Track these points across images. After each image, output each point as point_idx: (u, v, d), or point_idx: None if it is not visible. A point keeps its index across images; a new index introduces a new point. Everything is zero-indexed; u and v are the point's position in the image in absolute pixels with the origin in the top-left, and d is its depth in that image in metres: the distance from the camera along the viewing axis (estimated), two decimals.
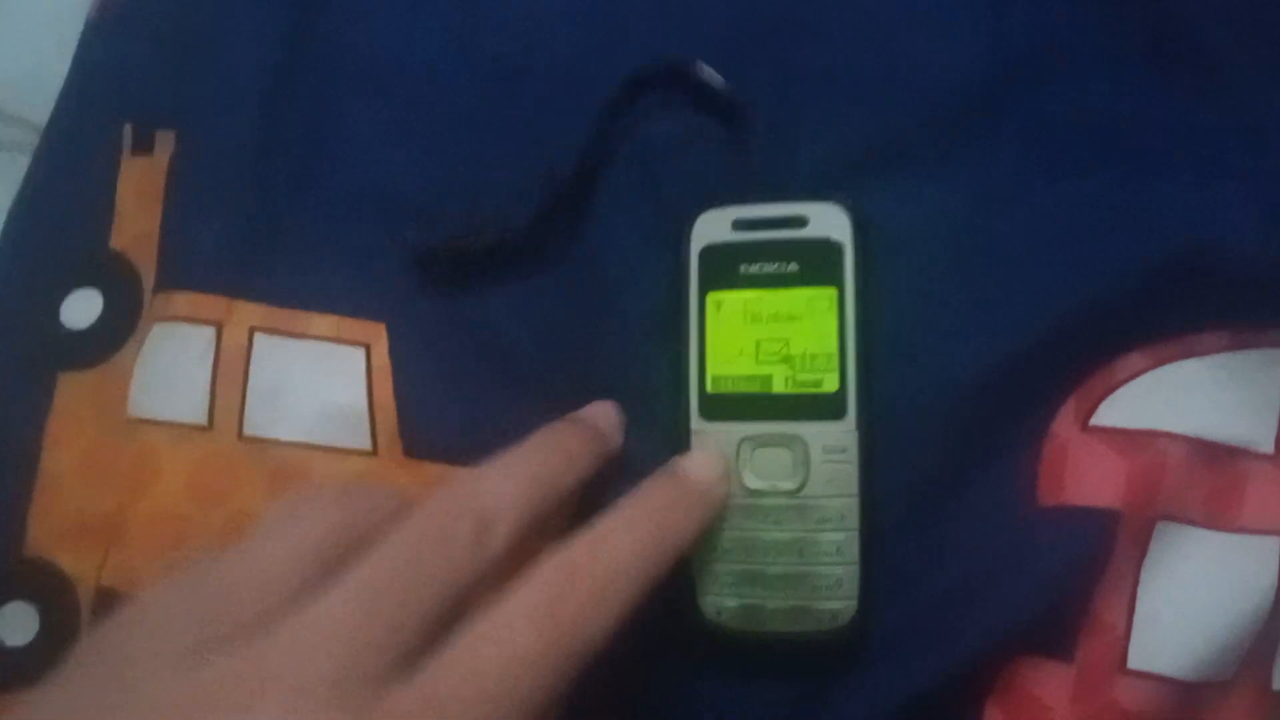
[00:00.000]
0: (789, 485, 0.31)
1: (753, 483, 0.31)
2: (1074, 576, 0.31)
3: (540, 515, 0.28)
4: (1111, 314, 0.32)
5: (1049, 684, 0.31)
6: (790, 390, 0.31)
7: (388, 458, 0.34)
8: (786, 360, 0.32)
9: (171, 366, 0.35)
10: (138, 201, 0.38)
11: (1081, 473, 0.31)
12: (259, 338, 0.35)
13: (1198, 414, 0.31)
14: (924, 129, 0.34)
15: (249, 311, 0.35)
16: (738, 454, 0.32)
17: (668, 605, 0.32)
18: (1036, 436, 0.32)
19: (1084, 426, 0.32)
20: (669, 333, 0.33)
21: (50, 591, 0.35)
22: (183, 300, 0.36)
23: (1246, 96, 0.33)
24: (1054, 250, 0.32)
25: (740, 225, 0.32)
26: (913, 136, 0.34)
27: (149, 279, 0.37)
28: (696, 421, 0.32)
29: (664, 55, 0.35)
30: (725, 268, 0.32)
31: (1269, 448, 0.31)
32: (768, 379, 0.32)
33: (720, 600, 0.32)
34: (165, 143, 0.38)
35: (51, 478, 0.36)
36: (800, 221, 0.32)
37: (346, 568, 0.24)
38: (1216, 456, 0.31)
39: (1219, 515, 0.31)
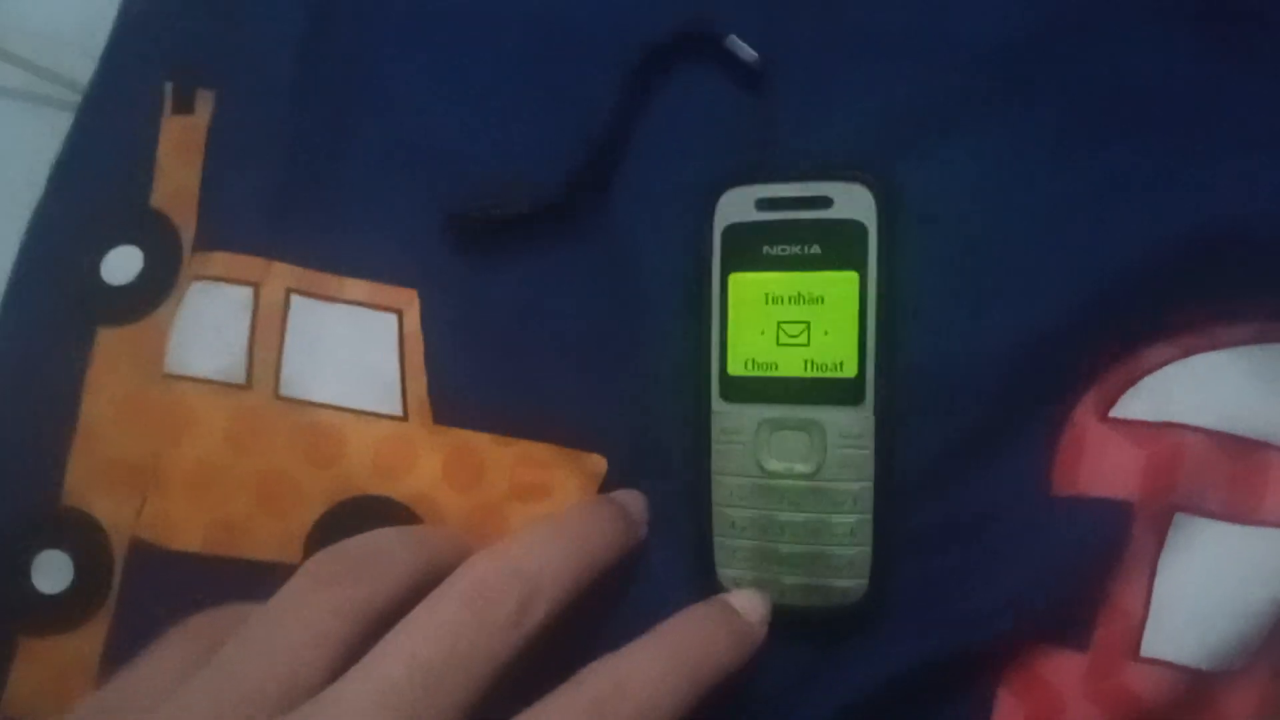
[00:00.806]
0: (805, 468, 0.32)
1: (770, 465, 0.32)
2: (1089, 567, 0.31)
3: (578, 592, 0.28)
4: (1140, 293, 0.31)
5: (1062, 671, 0.31)
6: (810, 375, 0.32)
7: (417, 423, 0.35)
8: (807, 344, 0.32)
9: (210, 325, 0.36)
10: (178, 159, 0.38)
11: (1097, 464, 0.32)
12: (295, 299, 0.36)
13: (1220, 407, 0.31)
14: (961, 95, 0.33)
15: (285, 272, 0.36)
16: (756, 436, 0.32)
17: (688, 574, 0.33)
18: (1058, 423, 0.32)
19: (1103, 417, 0.32)
20: (690, 312, 0.33)
21: (85, 541, 0.36)
22: (220, 260, 0.36)
23: None
24: (1088, 223, 0.32)
25: (764, 205, 0.32)
26: (949, 103, 0.33)
27: (188, 237, 0.38)
28: (717, 403, 0.32)
29: (694, 19, 0.34)
30: (748, 248, 0.32)
31: None
32: (788, 363, 0.32)
33: (737, 573, 0.32)
34: (206, 102, 0.38)
35: (88, 426, 0.37)
36: (825, 202, 0.32)
37: (378, 656, 0.25)
38: (1238, 449, 0.31)
39: (1239, 508, 0.31)
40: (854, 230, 0.32)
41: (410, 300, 0.36)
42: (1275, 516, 0.31)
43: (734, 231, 0.33)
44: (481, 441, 0.35)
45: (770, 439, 0.32)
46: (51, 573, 0.36)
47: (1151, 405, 0.32)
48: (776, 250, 0.32)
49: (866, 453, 0.31)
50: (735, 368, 0.32)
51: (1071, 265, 0.32)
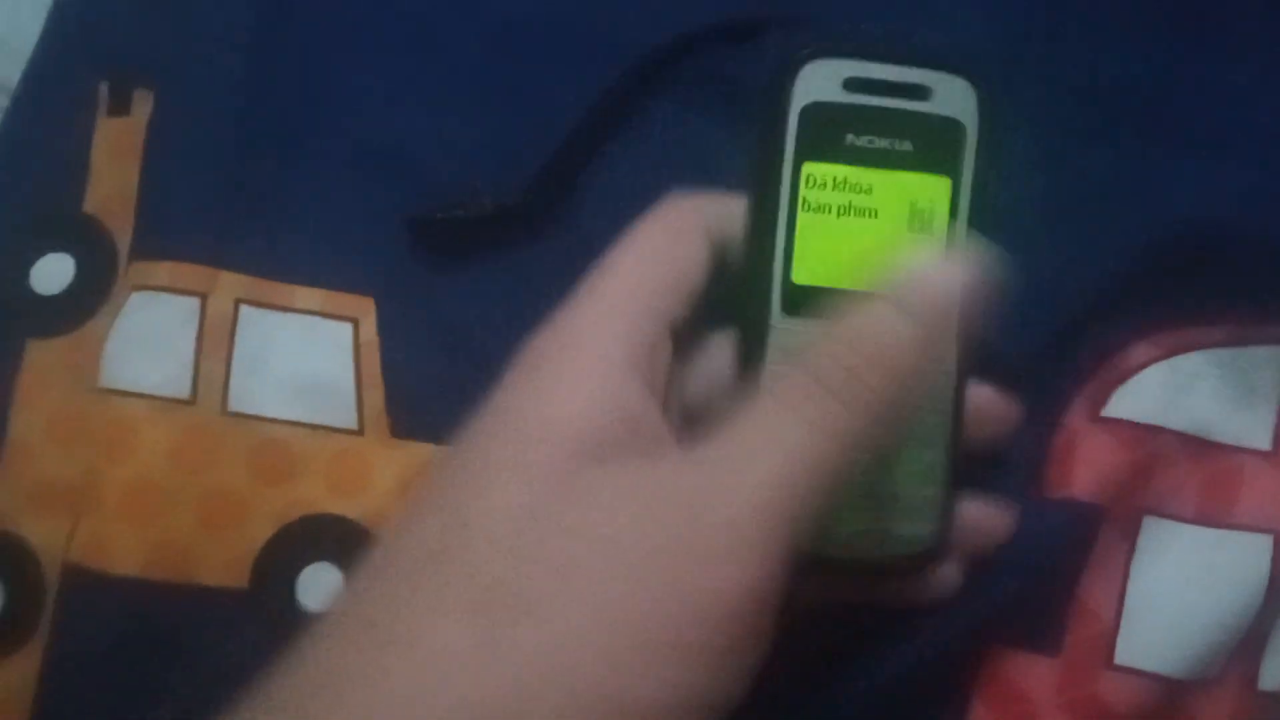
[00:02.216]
0: None
1: None
2: (1057, 568, 0.31)
3: None
4: (1125, 294, 0.32)
5: (1034, 677, 0.31)
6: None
7: (374, 437, 0.34)
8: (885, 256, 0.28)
9: (152, 338, 0.34)
10: (112, 163, 0.37)
11: (1088, 465, 0.31)
12: (244, 310, 0.34)
13: (1197, 410, 0.32)
14: None
15: (234, 282, 0.34)
16: None
17: None
18: (1050, 425, 0.32)
19: (1094, 417, 0.32)
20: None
21: (14, 566, 0.34)
22: (165, 269, 0.35)
23: (1276, 54, 0.32)
24: (1068, 226, 0.32)
25: (853, 85, 0.27)
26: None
27: (123, 244, 0.36)
28: (777, 316, 0.28)
29: (676, 36, 0.34)
30: (828, 134, 0.27)
31: (1266, 445, 0.32)
32: (863, 275, 0.27)
33: None
34: (143, 103, 0.37)
35: (18, 444, 0.35)
36: (923, 92, 0.28)
37: None
38: (1213, 453, 0.32)
39: (1212, 511, 0.31)
40: (952, 129, 0.28)
41: (366, 308, 0.34)
42: (1248, 520, 0.31)
43: (814, 112, 0.28)
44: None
45: None
46: None
47: (1137, 405, 0.32)
48: (862, 141, 0.28)
49: (947, 379, 0.28)
50: (800, 275, 0.28)
51: (1051, 271, 0.32)
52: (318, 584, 0.33)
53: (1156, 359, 0.32)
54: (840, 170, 0.28)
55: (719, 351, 0.29)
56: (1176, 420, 0.32)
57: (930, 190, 0.28)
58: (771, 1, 0.35)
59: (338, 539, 0.33)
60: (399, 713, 0.21)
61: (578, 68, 0.34)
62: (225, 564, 0.33)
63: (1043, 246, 0.32)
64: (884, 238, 0.27)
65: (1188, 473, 0.32)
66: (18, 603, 0.34)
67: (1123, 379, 0.32)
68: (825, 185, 0.28)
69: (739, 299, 0.28)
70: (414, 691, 0.21)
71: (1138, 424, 0.32)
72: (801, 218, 0.28)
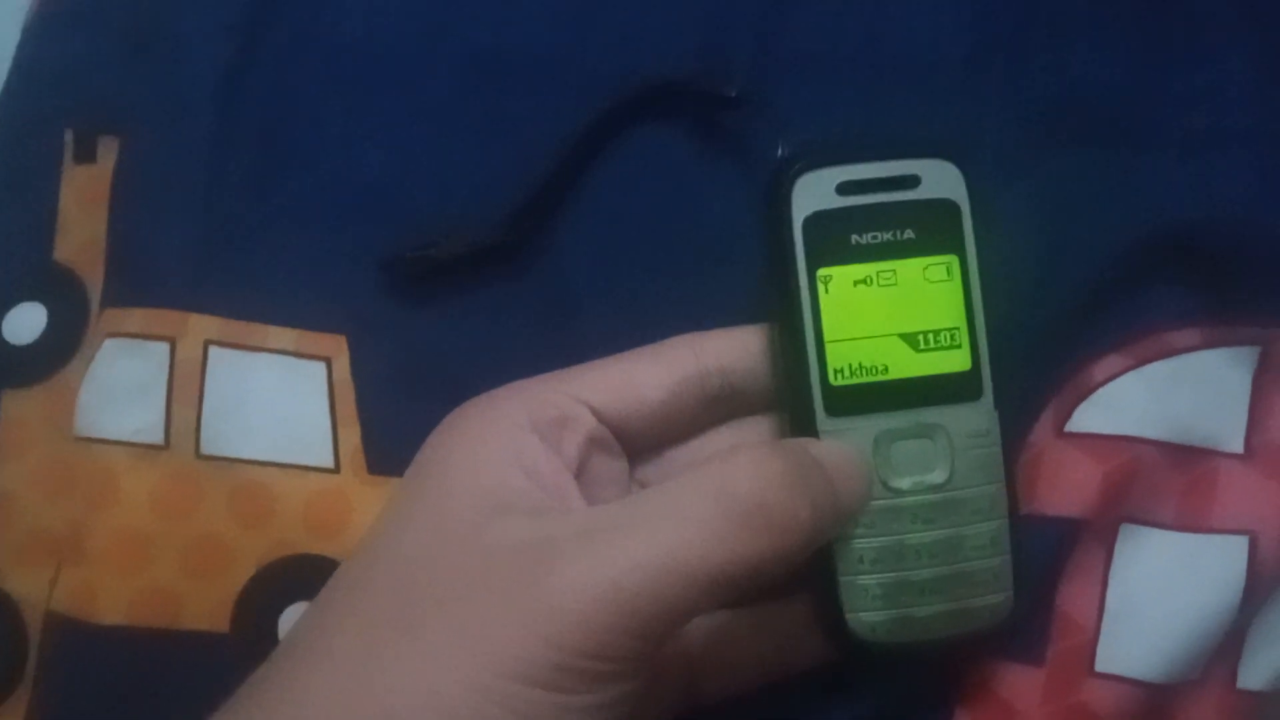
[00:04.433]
0: (938, 479, 0.29)
1: (897, 481, 0.29)
2: (1037, 580, 0.31)
3: None
4: (1094, 307, 0.32)
5: (1018, 688, 0.31)
6: (921, 373, 0.29)
7: (350, 475, 0.34)
8: (912, 340, 0.29)
9: (124, 385, 0.34)
10: (81, 211, 0.37)
11: (1055, 481, 0.31)
12: (214, 351, 0.34)
13: (1169, 417, 0.32)
14: (908, 110, 0.33)
15: (204, 324, 0.34)
16: (875, 451, 0.29)
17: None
18: (1017, 447, 0.32)
19: (1059, 432, 0.32)
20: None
21: None
22: (137, 316, 0.34)
23: (1244, 52, 0.32)
24: (1038, 235, 0.32)
25: (846, 189, 0.29)
26: (896, 119, 0.33)
27: (95, 291, 0.36)
28: (823, 420, 0.29)
29: (660, 78, 0.34)
30: (834, 239, 0.29)
31: (1239, 447, 0.32)
32: (896, 363, 0.29)
33: (870, 615, 0.29)
34: (109, 150, 0.37)
35: (2, 496, 0.35)
36: (912, 181, 0.29)
37: None
38: (1187, 458, 0.32)
39: (1189, 516, 0.31)
40: (948, 210, 0.29)
41: (339, 346, 0.34)
42: (1224, 523, 0.31)
43: (817, 221, 0.29)
44: None
45: (891, 452, 0.29)
46: None
47: (1106, 417, 0.32)
48: (866, 239, 0.29)
49: (995, 450, 0.29)
50: (837, 377, 0.29)
51: (1021, 281, 0.31)
52: None
53: (1128, 368, 0.32)
54: (853, 269, 0.29)
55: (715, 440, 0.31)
56: (1150, 428, 0.32)
57: (941, 269, 0.29)
58: (743, 30, 0.35)
59: (318, 579, 0.32)
60: (291, 711, 0.25)
61: (550, 102, 0.34)
62: (208, 608, 0.33)
63: (1011, 259, 0.31)
64: (907, 323, 0.29)
65: (1164, 480, 0.32)
66: (1, 655, 0.34)
67: (1088, 393, 0.32)
68: (844, 284, 0.29)
69: (785, 410, 0.30)
70: (308, 695, 0.25)
71: (1108, 436, 0.32)
72: (826, 321, 0.29)
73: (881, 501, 0.29)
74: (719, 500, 0.25)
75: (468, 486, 0.27)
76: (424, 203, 0.35)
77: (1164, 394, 0.32)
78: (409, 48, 0.36)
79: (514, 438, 0.28)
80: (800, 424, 0.29)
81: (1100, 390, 0.32)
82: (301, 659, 0.27)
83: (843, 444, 0.28)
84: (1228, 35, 0.33)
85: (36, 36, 0.38)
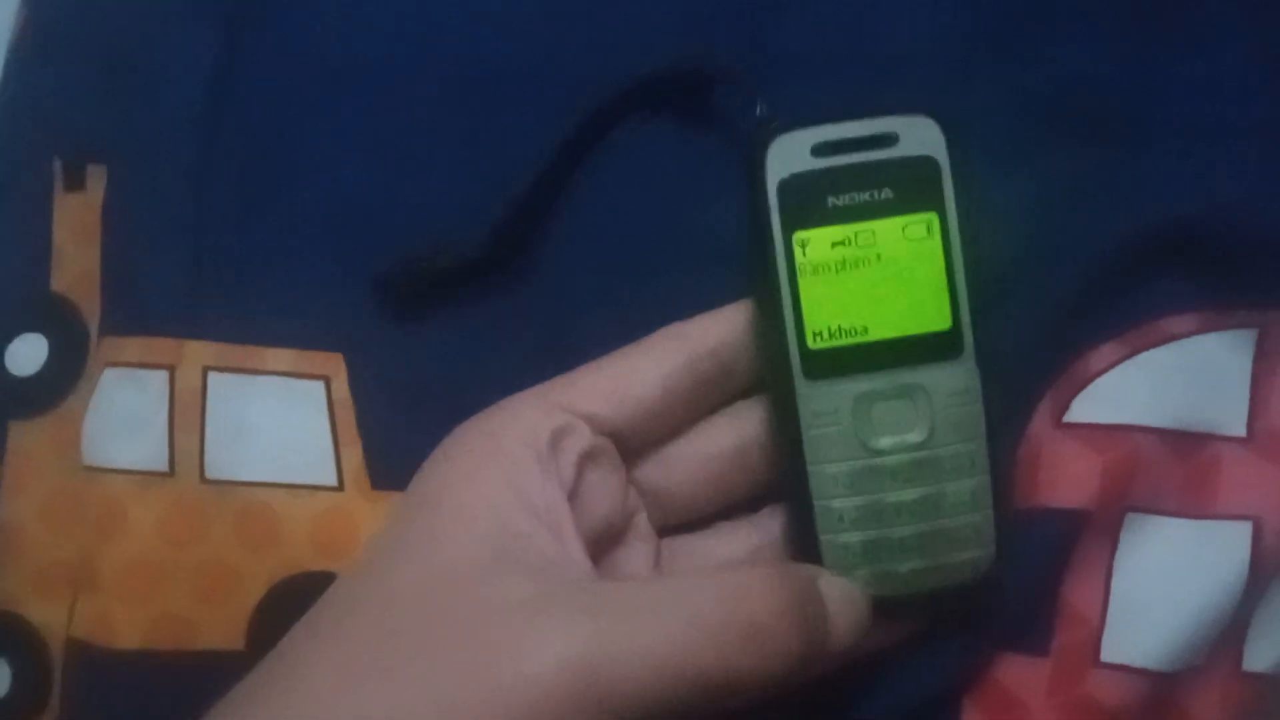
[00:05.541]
0: (917, 437, 0.29)
1: (877, 441, 0.29)
2: (1041, 571, 0.31)
3: None
4: (1090, 300, 0.31)
5: (1024, 679, 0.31)
6: (901, 334, 0.29)
7: (354, 492, 0.34)
8: (891, 300, 0.29)
9: (127, 414, 0.34)
10: (75, 240, 0.37)
11: (1055, 473, 0.31)
12: (213, 377, 0.34)
13: (1170, 403, 0.31)
14: (899, 109, 0.33)
15: (201, 351, 0.34)
16: (854, 413, 0.29)
17: None
18: (1015, 436, 0.32)
19: (1057, 424, 0.32)
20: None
21: (22, 644, 0.35)
22: (135, 344, 0.35)
23: (1240, 43, 0.32)
24: (1031, 232, 0.31)
25: (821, 150, 0.29)
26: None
27: (93, 320, 0.36)
28: (801, 384, 0.29)
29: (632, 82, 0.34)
30: (810, 201, 0.29)
31: (1241, 430, 0.31)
32: (876, 324, 0.29)
33: (851, 573, 0.29)
34: (97, 178, 0.37)
35: (13, 528, 0.35)
36: (890, 140, 0.29)
37: None
38: (1189, 445, 0.31)
39: (1192, 503, 0.31)
40: (927, 167, 0.29)
41: (336, 365, 0.34)
42: (1228, 509, 0.31)
43: (792, 184, 0.29)
44: None
45: (871, 413, 0.29)
46: None
47: (1105, 407, 0.32)
48: (843, 199, 0.29)
49: (976, 407, 0.29)
50: (815, 340, 0.29)
51: (1014, 279, 0.31)
52: None
53: (1125, 357, 0.32)
54: (829, 231, 0.29)
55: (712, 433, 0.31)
56: (1150, 416, 0.31)
57: (921, 228, 0.29)
58: (730, 30, 0.35)
59: None
60: None
61: (533, 112, 0.34)
62: (223, 628, 0.33)
63: (1007, 252, 0.31)
64: (889, 280, 0.29)
65: (1167, 467, 0.31)
66: (26, 681, 0.35)
67: (1085, 383, 0.32)
68: (821, 247, 0.29)
69: (766, 375, 0.30)
70: (286, 714, 0.25)
71: (1107, 426, 0.31)
72: (803, 284, 0.29)
73: (861, 462, 0.29)
74: (733, 611, 0.26)
75: (467, 531, 0.27)
76: (412, 218, 0.35)
77: (1162, 381, 0.31)
78: (388, 66, 0.36)
79: (511, 468, 0.28)
80: (779, 390, 0.29)
81: (1097, 380, 0.32)
82: (276, 684, 0.27)
83: (847, 582, 0.29)
84: (1223, 26, 0.32)
85: (19, 66, 0.38)
